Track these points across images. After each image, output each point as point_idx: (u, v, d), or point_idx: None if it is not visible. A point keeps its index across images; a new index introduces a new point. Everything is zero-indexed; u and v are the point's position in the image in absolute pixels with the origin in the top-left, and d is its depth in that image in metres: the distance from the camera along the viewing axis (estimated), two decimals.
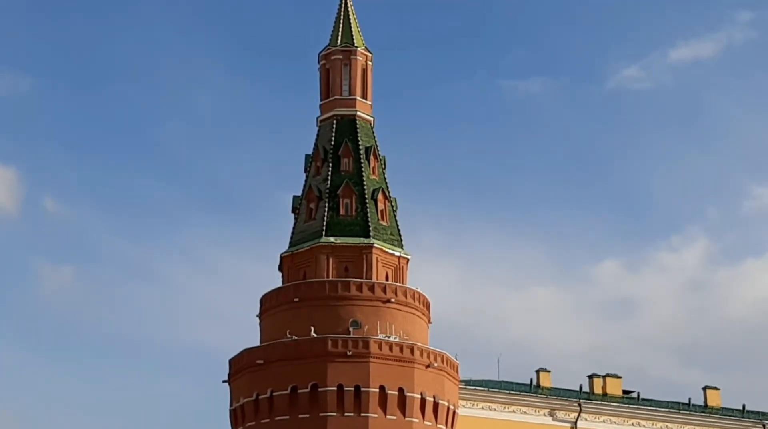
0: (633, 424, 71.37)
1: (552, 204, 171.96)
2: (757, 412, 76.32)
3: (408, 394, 56.94)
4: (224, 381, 61.70)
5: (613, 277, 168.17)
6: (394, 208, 64.30)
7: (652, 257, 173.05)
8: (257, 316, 62.46)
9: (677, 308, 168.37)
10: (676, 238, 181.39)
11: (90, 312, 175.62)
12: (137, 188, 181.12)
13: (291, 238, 63.95)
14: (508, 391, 68.14)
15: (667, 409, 73.11)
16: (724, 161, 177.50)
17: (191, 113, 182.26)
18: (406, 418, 56.72)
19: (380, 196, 63.27)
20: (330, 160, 63.78)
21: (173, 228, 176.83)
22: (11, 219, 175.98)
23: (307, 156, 65.55)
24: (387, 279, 61.29)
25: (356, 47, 66.50)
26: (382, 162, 65.26)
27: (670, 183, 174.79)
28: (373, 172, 63.96)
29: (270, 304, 61.51)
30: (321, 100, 66.79)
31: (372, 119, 66.22)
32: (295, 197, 64.94)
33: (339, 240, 61.51)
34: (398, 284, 61.08)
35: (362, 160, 63.72)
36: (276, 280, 63.66)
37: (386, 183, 64.55)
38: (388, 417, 56.31)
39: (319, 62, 67.54)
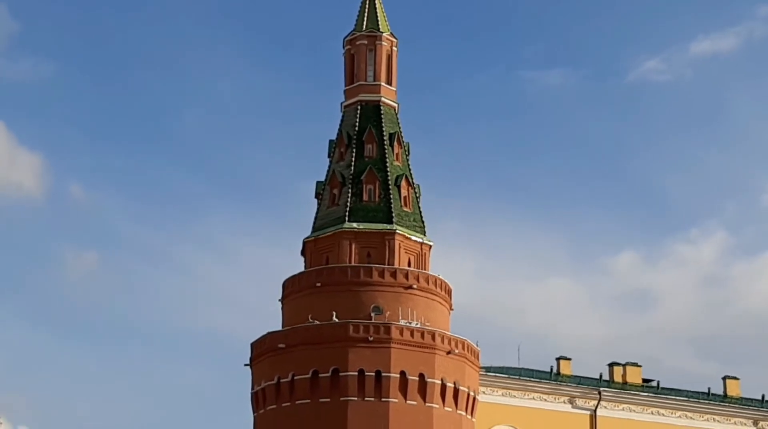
0: (653, 413, 71.43)
1: (570, 196, 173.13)
2: None
3: (429, 379, 57.01)
4: (246, 364, 61.89)
5: (631, 269, 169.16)
6: (417, 195, 64.13)
7: (670, 250, 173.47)
8: (279, 300, 62.57)
9: (695, 301, 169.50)
10: (694, 232, 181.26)
11: (113, 297, 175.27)
12: (160, 176, 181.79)
13: (314, 223, 63.93)
14: (528, 378, 68.32)
15: (686, 398, 73.21)
16: (742, 155, 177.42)
17: (213, 100, 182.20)
18: (427, 404, 56.83)
19: (404, 183, 63.10)
20: (354, 145, 63.66)
21: (195, 215, 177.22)
22: (37, 204, 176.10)
23: (330, 141, 65.42)
24: (409, 265, 61.24)
25: (382, 32, 66.13)
26: (406, 148, 65.05)
27: (688, 176, 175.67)
28: (397, 159, 63.81)
29: (292, 288, 61.60)
30: (345, 86, 66.67)
31: (396, 105, 65.99)
32: (318, 183, 64.77)
33: (362, 226, 61.48)
34: (420, 271, 61.00)
35: (386, 146, 63.56)
36: (298, 266, 63.77)
37: (410, 169, 64.34)
38: (408, 402, 56.39)
39: (344, 47, 67.32)
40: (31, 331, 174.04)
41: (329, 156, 65.18)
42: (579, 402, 69.28)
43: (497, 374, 66.36)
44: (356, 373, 56.14)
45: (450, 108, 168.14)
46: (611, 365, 74.25)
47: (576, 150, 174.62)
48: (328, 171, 64.62)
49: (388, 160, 63.19)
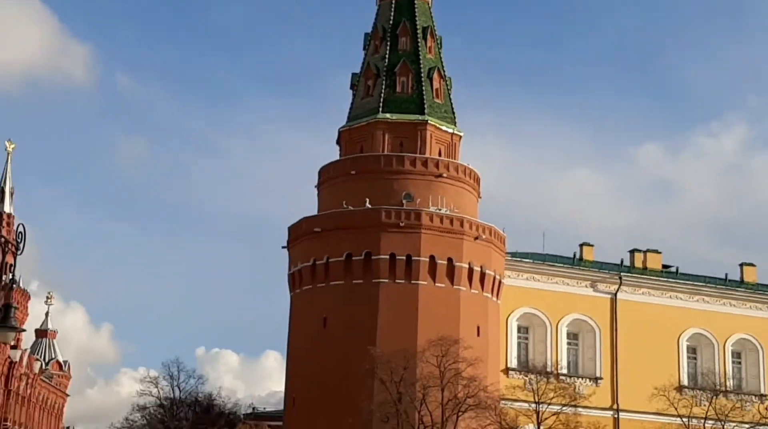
0: (671, 297, 71.64)
1: (597, 89, 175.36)
2: None
3: (456, 263, 58.56)
4: (283, 247, 63.58)
5: (654, 160, 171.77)
6: (449, 87, 64.79)
7: (692, 142, 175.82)
8: (315, 187, 63.91)
9: (715, 191, 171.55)
10: (715, 124, 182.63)
11: (161, 181, 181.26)
12: (205, 67, 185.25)
13: (349, 113, 64.97)
14: (551, 264, 68.96)
15: (704, 283, 73.53)
16: (766, 50, 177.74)
17: None
18: (454, 286, 58.49)
19: (436, 75, 63.74)
20: (388, 38, 64.25)
21: (237, 105, 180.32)
22: (88, 93, 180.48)
23: (366, 35, 66.02)
24: (440, 155, 62.27)
25: None
26: (439, 42, 65.59)
27: (711, 69, 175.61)
28: (430, 52, 64.39)
29: (328, 176, 62.93)
30: None
31: (430, 0, 66.45)
32: (353, 74, 65.61)
33: (395, 116, 62.37)
34: (450, 160, 62.09)
35: (419, 40, 64.08)
36: (334, 154, 65.03)
37: (442, 62, 64.99)
38: (437, 285, 58.06)
39: None
40: (83, 211, 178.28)
41: (364, 49, 65.91)
42: (600, 286, 69.76)
43: (522, 259, 67.02)
44: (388, 257, 57.81)
45: (483, 1, 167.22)
46: (632, 252, 74.54)
47: (603, 43, 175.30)
48: (363, 63, 65.38)
49: (421, 53, 63.76)
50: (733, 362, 72.45)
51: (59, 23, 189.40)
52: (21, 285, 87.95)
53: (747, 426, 58.57)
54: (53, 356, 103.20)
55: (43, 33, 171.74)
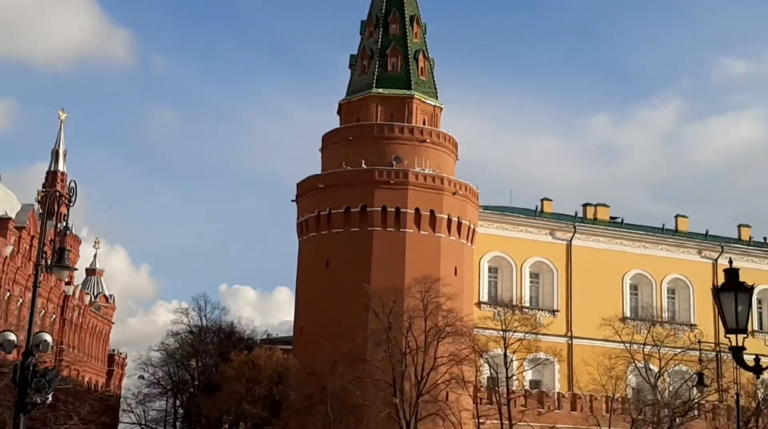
0: (617, 243, 71.90)
1: (557, 69, 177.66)
2: (717, 237, 77.17)
3: (437, 215, 58.57)
4: (292, 200, 63.45)
5: (603, 128, 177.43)
6: (432, 67, 64.45)
7: (635, 113, 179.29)
8: (319, 150, 63.76)
9: (654, 154, 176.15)
10: (654, 99, 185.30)
11: (189, 145, 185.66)
12: (226, 50, 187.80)
13: (347, 88, 64.62)
14: (517, 215, 69.14)
15: (645, 232, 73.78)
16: (698, 35, 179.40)
17: None
18: (436, 234, 58.54)
19: (421, 56, 63.45)
20: (381, 25, 63.85)
21: (254, 81, 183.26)
22: (128, 72, 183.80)
23: (362, 22, 65.57)
24: (424, 124, 62.03)
25: None
26: (424, 28, 65.15)
27: (652, 53, 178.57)
28: (416, 37, 64.00)
29: (330, 141, 62.77)
30: None
31: None
32: (351, 56, 65.25)
33: (386, 91, 62.18)
34: (433, 128, 61.88)
35: (407, 26, 63.61)
36: (335, 123, 64.76)
37: (426, 46, 64.62)
38: (421, 232, 58.17)
39: None
40: (124, 169, 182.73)
41: (360, 34, 65.50)
42: (558, 234, 70.11)
43: (492, 211, 67.10)
44: (380, 209, 57.85)
45: None
46: (585, 205, 74.73)
47: (564, 32, 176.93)
48: (359, 46, 65.04)
49: (408, 37, 63.41)
50: (667, 298, 72.87)
51: (104, 12, 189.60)
52: (73, 231, 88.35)
53: (679, 350, 58.65)
54: (100, 291, 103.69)
55: (91, 21, 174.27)
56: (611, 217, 75.27)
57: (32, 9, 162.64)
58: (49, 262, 20.10)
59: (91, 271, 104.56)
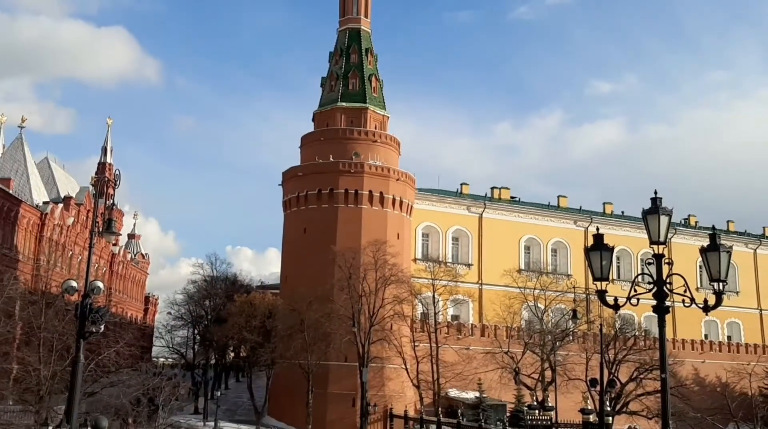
0: (515, 216, 72.65)
1: (472, 87, 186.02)
2: (588, 211, 78.26)
3: (385, 195, 58.55)
4: (279, 184, 63.26)
5: (505, 132, 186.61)
6: (382, 86, 64.15)
7: (528, 121, 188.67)
8: (299, 147, 63.33)
9: (542, 152, 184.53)
10: (543, 110, 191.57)
11: (204, 144, 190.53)
12: (230, 75, 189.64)
13: (319, 102, 64.15)
14: (443, 196, 69.82)
15: (536, 208, 74.76)
16: (575, 62, 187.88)
17: (264, 26, 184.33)
18: (384, 209, 58.52)
19: (373, 79, 63.19)
20: (344, 56, 63.43)
21: (252, 96, 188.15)
22: (158, 89, 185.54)
23: (330, 53, 65.09)
24: (376, 128, 61.82)
25: None
26: (376, 58, 64.76)
27: (542, 75, 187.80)
28: (370, 64, 63.64)
29: (306, 141, 62.41)
30: (339, 18, 65.47)
31: (370, 31, 65.33)
32: (322, 78, 64.76)
33: (348, 104, 61.89)
34: (382, 132, 61.67)
35: (363, 57, 63.27)
36: (310, 127, 64.24)
37: (377, 71, 64.28)
38: (373, 208, 58.08)
39: None
40: (155, 161, 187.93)
41: (329, 62, 64.95)
42: (473, 209, 70.76)
43: (425, 192, 67.56)
44: (343, 191, 57.70)
45: (404, 33, 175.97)
46: (492, 188, 75.63)
47: (476, 60, 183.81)
48: (328, 71, 64.52)
49: (364, 65, 63.06)
50: (551, 255, 73.89)
51: (141, 46, 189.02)
52: (118, 207, 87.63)
53: (559, 293, 59.42)
54: (138, 250, 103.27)
55: (131, 52, 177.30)
56: (512, 197, 76.01)
57: (89, 42, 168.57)
58: (100, 229, 20.21)
59: (131, 236, 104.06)
